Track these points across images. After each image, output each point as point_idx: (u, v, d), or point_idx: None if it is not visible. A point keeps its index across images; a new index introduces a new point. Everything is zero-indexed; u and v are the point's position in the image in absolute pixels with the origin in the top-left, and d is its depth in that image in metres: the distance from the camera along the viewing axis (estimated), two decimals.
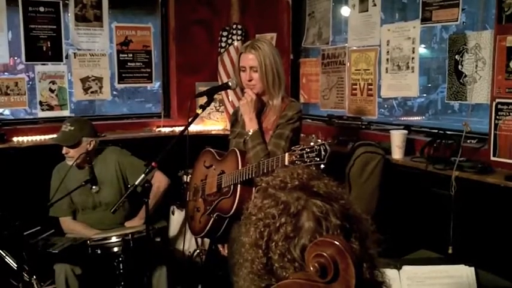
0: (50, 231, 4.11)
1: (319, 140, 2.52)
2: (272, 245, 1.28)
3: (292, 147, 2.57)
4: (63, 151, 4.09)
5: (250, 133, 3.02)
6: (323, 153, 2.44)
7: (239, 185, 2.95)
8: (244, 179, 2.90)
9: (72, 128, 4.07)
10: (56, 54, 5.36)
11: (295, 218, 1.27)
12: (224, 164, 3.17)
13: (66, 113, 5.48)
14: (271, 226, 1.29)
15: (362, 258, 1.19)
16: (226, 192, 3.05)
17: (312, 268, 1.12)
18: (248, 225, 1.36)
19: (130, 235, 3.79)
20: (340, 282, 1.10)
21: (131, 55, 5.77)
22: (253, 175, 2.82)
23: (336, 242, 1.11)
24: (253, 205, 1.38)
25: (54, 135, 4.24)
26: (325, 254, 1.10)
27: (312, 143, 2.48)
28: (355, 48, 4.81)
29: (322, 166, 2.42)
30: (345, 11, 5.01)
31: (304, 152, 2.48)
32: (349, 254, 1.09)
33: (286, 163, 2.55)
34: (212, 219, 3.15)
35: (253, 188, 2.87)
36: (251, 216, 1.36)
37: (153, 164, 3.07)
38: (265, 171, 2.73)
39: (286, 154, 2.59)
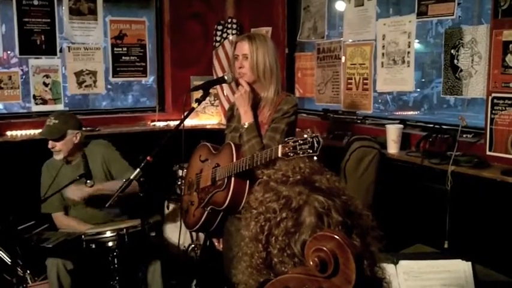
0: (44, 225, 4.10)
1: (309, 130, 2.51)
2: (272, 239, 1.27)
3: (286, 139, 2.58)
4: (49, 145, 4.07)
5: (245, 126, 3.01)
6: (316, 145, 2.46)
7: (233, 178, 2.95)
8: (238, 171, 2.89)
9: (57, 122, 4.06)
10: (50, 48, 5.32)
11: (297, 213, 1.25)
12: (219, 157, 3.16)
13: (60, 107, 5.45)
14: (271, 220, 1.28)
15: (363, 255, 1.18)
16: (220, 185, 3.04)
17: (311, 263, 1.11)
18: (248, 219, 1.35)
19: (125, 229, 3.77)
20: (340, 277, 1.08)
21: (126, 49, 5.74)
22: (247, 167, 2.82)
23: (335, 236, 1.09)
24: (254, 198, 1.36)
25: None
26: (325, 248, 1.09)
27: (305, 135, 2.49)
28: (350, 42, 4.80)
29: (315, 158, 2.43)
30: (340, 5, 4.99)
31: (297, 143, 2.49)
32: (349, 248, 1.08)
33: (280, 155, 2.56)
34: (206, 213, 3.15)
35: (248, 181, 2.90)
36: (252, 209, 1.35)
37: (148, 158, 3.05)
38: (258, 163, 2.73)
39: (280, 146, 2.59)
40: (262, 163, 2.69)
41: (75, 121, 4.18)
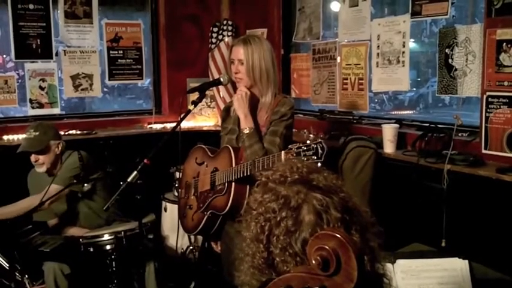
0: (42, 229, 4.09)
1: (313, 136, 2.49)
2: (273, 239, 1.28)
3: (289, 145, 2.52)
4: (32, 159, 3.96)
5: (246, 131, 2.98)
6: (320, 151, 2.40)
7: (233, 183, 2.90)
8: (239, 176, 2.85)
9: (37, 133, 3.96)
10: (45, 52, 5.33)
11: (296, 212, 1.27)
12: (217, 161, 3.13)
13: (56, 110, 5.46)
14: (271, 220, 1.29)
15: (363, 250, 1.20)
16: (220, 189, 3.00)
17: (313, 261, 1.12)
18: (249, 220, 1.36)
19: (123, 232, 3.77)
20: (342, 275, 1.10)
21: (121, 52, 5.75)
22: (249, 173, 2.78)
23: (337, 235, 1.11)
24: (253, 200, 1.37)
25: None
26: (327, 247, 1.10)
27: (308, 141, 2.44)
28: (345, 42, 4.82)
29: (319, 164, 2.39)
30: (335, 5, 5.01)
31: (301, 150, 2.43)
32: (350, 246, 1.09)
33: (282, 161, 2.53)
34: (206, 217, 3.10)
35: (248, 186, 2.86)
36: (252, 210, 1.36)
37: (145, 160, 3.05)
38: (260, 168, 2.70)
39: (283, 152, 2.56)
40: (265, 168, 2.66)
41: (54, 131, 4.10)
